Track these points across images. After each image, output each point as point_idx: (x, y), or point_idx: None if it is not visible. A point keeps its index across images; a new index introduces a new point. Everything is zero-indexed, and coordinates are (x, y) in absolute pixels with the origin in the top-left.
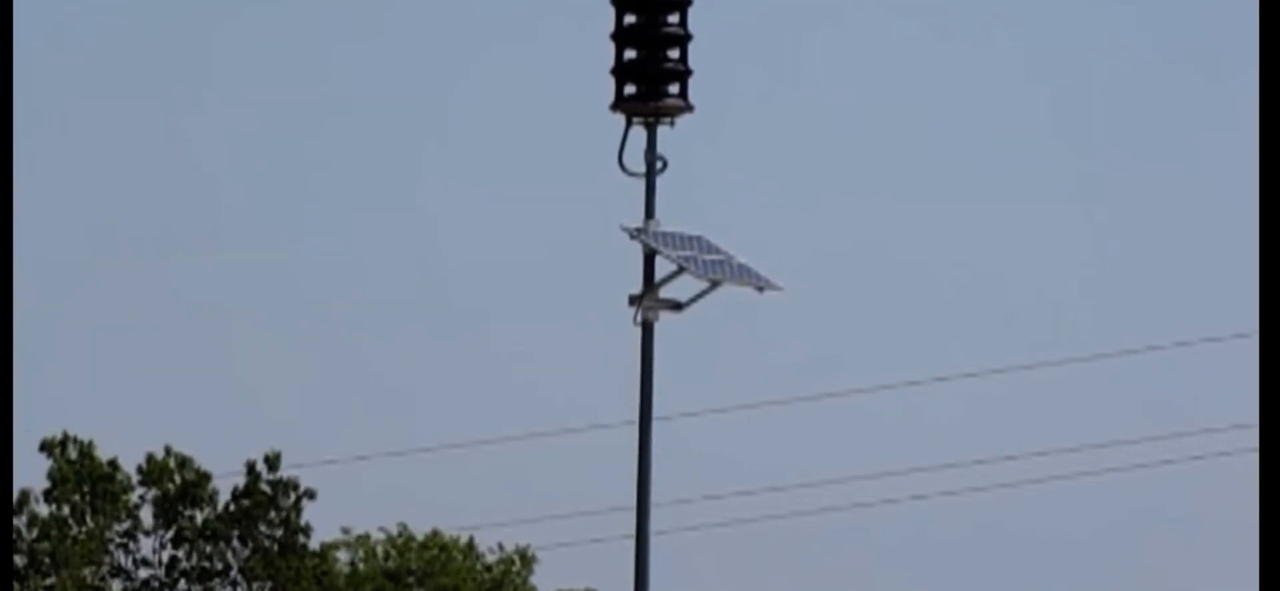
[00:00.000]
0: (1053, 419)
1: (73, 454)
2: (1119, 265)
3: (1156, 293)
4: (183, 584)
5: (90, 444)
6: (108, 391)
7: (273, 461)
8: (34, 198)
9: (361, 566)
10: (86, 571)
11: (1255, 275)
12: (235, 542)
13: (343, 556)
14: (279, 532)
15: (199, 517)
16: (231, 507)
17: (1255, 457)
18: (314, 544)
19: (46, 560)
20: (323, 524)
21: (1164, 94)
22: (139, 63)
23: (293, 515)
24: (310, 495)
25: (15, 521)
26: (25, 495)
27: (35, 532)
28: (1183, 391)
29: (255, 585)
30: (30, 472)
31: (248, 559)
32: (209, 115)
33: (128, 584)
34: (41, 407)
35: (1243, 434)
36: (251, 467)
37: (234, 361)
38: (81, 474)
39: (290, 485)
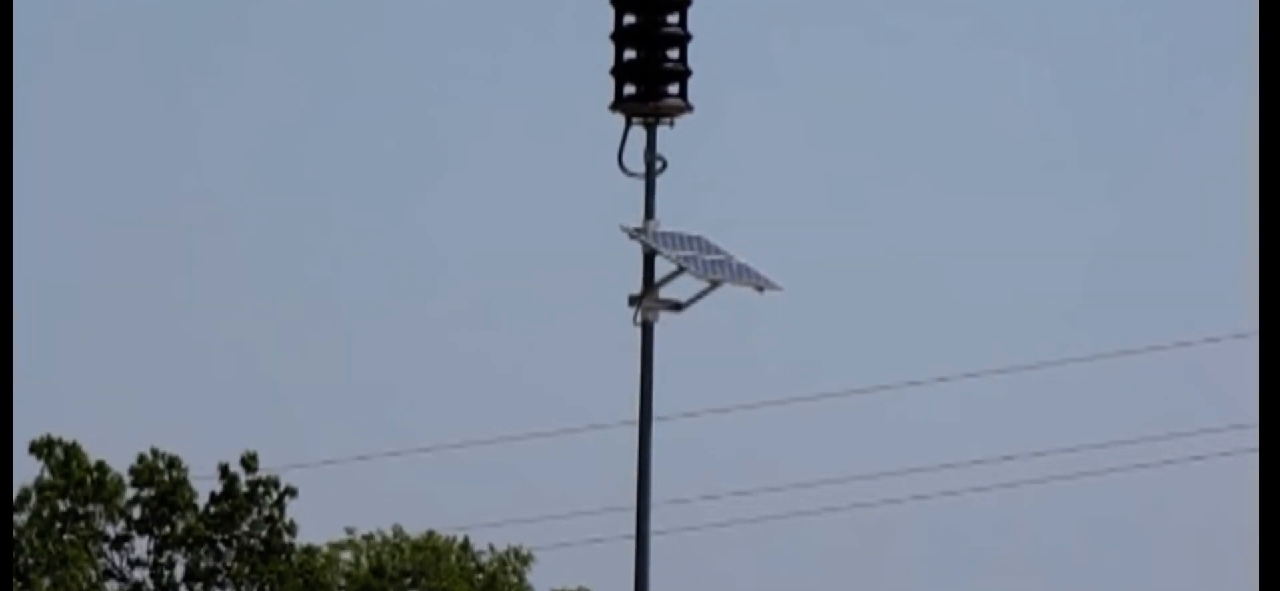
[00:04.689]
0: (1053, 419)
1: (60, 455)
2: (1119, 265)
3: (1157, 292)
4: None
5: (75, 445)
6: (93, 392)
7: (249, 462)
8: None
9: (357, 567)
10: (89, 571)
11: (1255, 275)
12: (219, 545)
13: (347, 556)
14: (264, 532)
15: (181, 523)
16: (212, 510)
17: (1255, 457)
18: (301, 541)
19: (38, 562)
20: (320, 524)
21: (1164, 93)
22: (131, 64)
23: (275, 514)
24: (291, 493)
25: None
26: (25, 493)
27: (34, 530)
28: (1183, 391)
29: (242, 587)
30: (20, 474)
31: (233, 560)
32: (204, 114)
33: (122, 585)
34: (27, 408)
35: (1243, 434)
36: (225, 470)
37: (231, 360)
38: (70, 476)
39: (271, 483)
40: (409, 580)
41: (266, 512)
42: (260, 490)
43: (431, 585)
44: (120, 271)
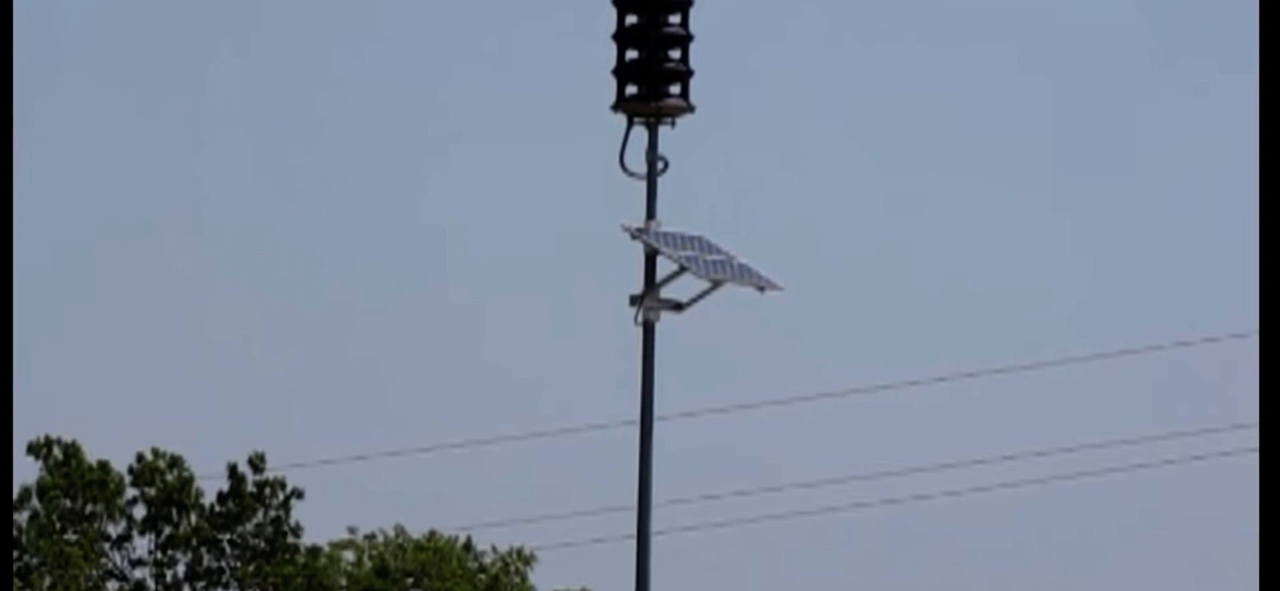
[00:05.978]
0: (1053, 419)
1: (58, 455)
2: (1119, 264)
3: (1156, 292)
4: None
5: (75, 445)
6: (94, 391)
7: (257, 462)
8: (23, 191)
9: (359, 567)
10: (92, 572)
11: (1255, 275)
12: (224, 545)
13: (349, 556)
14: (269, 532)
15: (186, 523)
16: (217, 510)
17: (1255, 457)
18: (305, 543)
19: (42, 562)
20: (321, 524)
21: (1165, 91)
22: (131, 61)
23: (281, 515)
24: (298, 494)
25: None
26: (26, 492)
27: (35, 530)
28: (1183, 391)
29: (246, 588)
30: (21, 475)
31: (237, 561)
32: (203, 112)
33: (123, 585)
34: (26, 407)
35: (1243, 434)
36: (233, 470)
37: (233, 360)
38: (71, 476)
39: (277, 484)
40: (411, 580)
41: (272, 514)
42: (267, 491)
43: (434, 585)
44: (121, 271)
